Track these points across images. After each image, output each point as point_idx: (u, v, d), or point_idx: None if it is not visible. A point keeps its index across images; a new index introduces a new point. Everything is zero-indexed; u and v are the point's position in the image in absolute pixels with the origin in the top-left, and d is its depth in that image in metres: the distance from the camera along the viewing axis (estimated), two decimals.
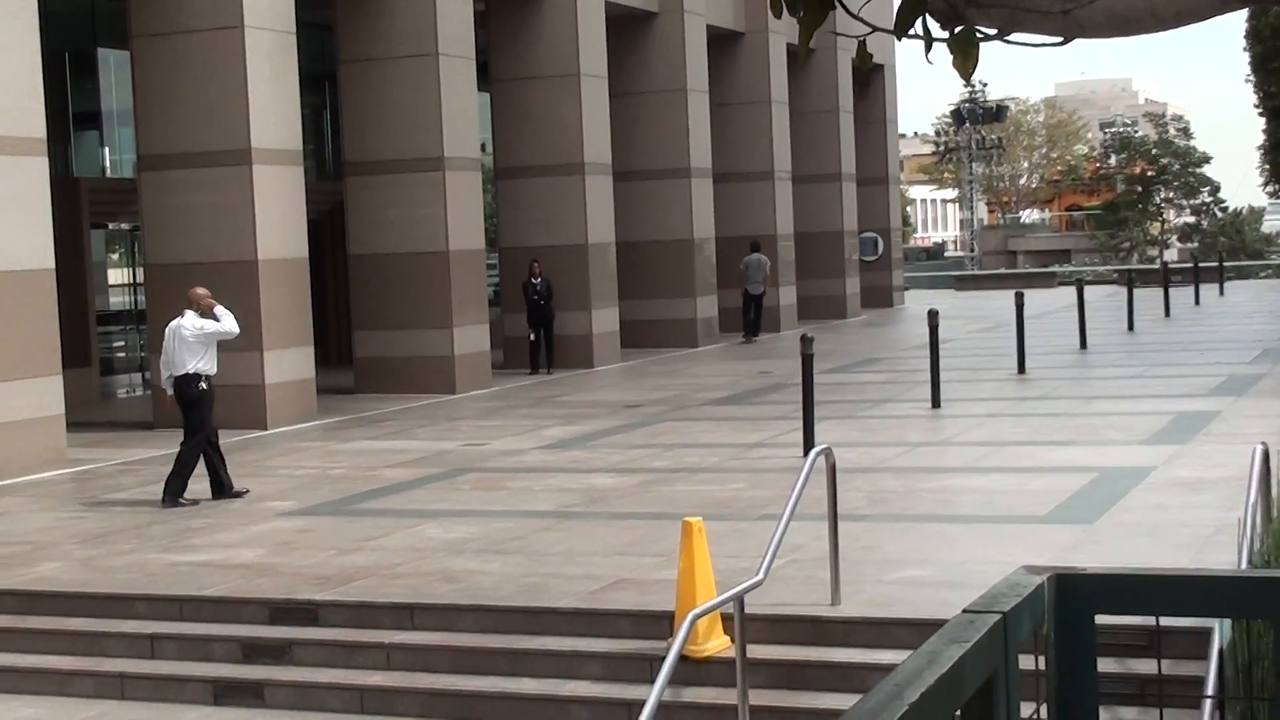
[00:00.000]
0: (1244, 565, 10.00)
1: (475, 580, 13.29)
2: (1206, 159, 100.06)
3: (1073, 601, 3.32)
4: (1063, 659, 3.35)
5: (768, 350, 37.68)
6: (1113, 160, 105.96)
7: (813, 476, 11.38)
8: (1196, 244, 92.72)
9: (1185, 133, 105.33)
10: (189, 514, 17.32)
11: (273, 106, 25.40)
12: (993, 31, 4.82)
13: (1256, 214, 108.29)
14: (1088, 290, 37.41)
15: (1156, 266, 63.20)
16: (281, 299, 25.39)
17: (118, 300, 33.96)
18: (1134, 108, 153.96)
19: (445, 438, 23.26)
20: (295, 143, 26.19)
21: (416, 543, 15.09)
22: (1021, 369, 28.41)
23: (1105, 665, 3.47)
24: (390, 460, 21.02)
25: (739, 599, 10.15)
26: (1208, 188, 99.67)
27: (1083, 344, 33.34)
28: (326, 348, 34.39)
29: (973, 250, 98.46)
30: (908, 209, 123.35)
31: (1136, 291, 41.37)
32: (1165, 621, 3.58)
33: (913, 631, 11.04)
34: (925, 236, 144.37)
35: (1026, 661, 3.20)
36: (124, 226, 33.34)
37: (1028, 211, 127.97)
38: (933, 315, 24.17)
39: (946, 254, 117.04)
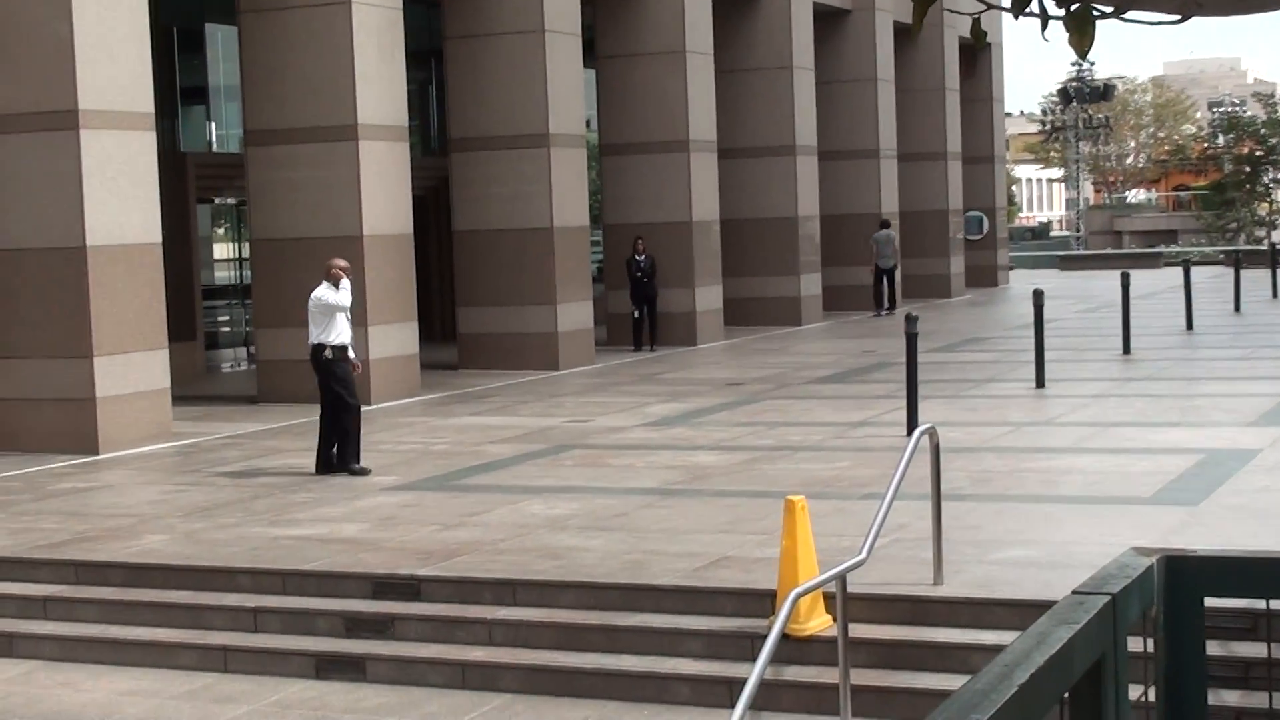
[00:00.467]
0: None
1: (577, 557, 13.32)
2: None
3: (1182, 583, 3.29)
4: (1172, 641, 3.32)
5: (873, 329, 37.57)
6: (1220, 140, 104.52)
7: (916, 456, 11.33)
8: None
9: None
10: (292, 488, 17.46)
11: (379, 82, 25.51)
12: (1109, 9, 4.75)
13: None
14: (1194, 271, 37.09)
15: (1264, 247, 62.47)
16: (386, 274, 25.49)
17: (223, 275, 34.25)
18: (1242, 87, 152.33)
19: (548, 414, 23.31)
20: (401, 118, 26.27)
21: (519, 519, 15.13)
22: (1127, 350, 28.16)
23: (1208, 648, 3.43)
24: (493, 436, 21.09)
25: (841, 578, 10.11)
26: None
27: (1189, 325, 33.05)
28: (430, 323, 34.57)
29: (1078, 230, 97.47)
30: (1013, 188, 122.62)
31: (1243, 272, 40.95)
32: (1275, 604, 3.52)
33: (1014, 612, 10.98)
34: (1030, 216, 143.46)
35: (1134, 644, 3.17)
36: (230, 201, 33.60)
37: (1134, 191, 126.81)
38: (1038, 295, 24.00)
39: (1052, 234, 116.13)
